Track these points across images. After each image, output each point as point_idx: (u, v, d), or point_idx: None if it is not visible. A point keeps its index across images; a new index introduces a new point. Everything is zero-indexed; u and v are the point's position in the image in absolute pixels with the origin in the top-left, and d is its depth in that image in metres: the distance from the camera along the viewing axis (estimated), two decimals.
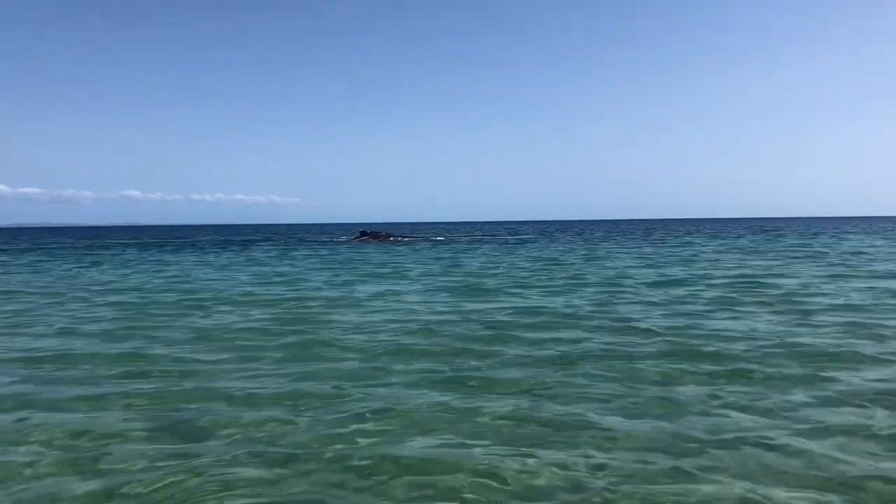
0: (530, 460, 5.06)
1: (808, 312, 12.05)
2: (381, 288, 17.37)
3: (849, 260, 25.09)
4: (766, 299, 13.94)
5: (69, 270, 26.10)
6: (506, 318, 11.88)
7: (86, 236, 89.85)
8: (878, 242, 38.72)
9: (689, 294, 15.09)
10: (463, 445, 5.44)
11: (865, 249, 31.84)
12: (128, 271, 25.11)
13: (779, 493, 4.47)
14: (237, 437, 5.72)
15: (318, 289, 17.48)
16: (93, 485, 4.76)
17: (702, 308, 12.86)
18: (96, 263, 30.22)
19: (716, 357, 8.48)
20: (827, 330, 10.33)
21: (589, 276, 19.93)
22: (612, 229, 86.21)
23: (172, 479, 4.78)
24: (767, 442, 5.40)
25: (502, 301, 14.44)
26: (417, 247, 40.75)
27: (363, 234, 52.42)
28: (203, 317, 12.72)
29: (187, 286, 18.74)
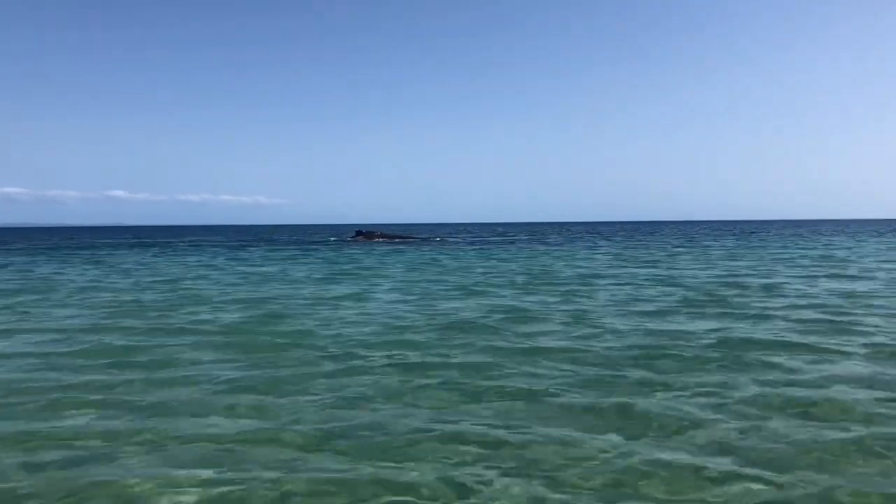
0: (459, 425, 5.42)
1: (764, 311, 12.52)
2: (357, 288, 17.67)
3: (822, 262, 25.71)
4: (730, 298, 14.40)
5: (48, 270, 26.12)
6: (473, 316, 12.22)
7: (71, 236, 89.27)
8: (858, 245, 39.50)
9: (657, 293, 15.52)
10: (402, 420, 5.79)
11: (843, 251, 32.55)
12: (107, 271, 25.20)
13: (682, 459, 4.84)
14: (190, 420, 6.02)
15: (296, 288, 17.76)
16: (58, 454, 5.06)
17: (664, 306, 13.28)
18: (76, 264, 30.24)
19: (661, 351, 8.88)
20: (775, 326, 10.77)
21: (564, 276, 20.35)
22: (603, 231, 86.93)
23: (131, 450, 5.10)
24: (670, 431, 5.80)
25: (475, 300, 14.78)
26: (402, 247, 41.07)
27: (358, 233, 52.92)
28: (174, 314, 12.96)
29: (166, 285, 18.95)
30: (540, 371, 7.81)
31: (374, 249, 39.62)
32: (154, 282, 20.20)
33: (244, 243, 54.79)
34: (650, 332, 10.24)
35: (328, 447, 5.33)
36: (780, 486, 4.51)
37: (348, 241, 50.95)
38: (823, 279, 18.62)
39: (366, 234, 52.45)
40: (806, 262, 25.91)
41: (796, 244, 42.25)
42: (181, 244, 54.39)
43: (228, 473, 4.79)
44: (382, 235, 53.00)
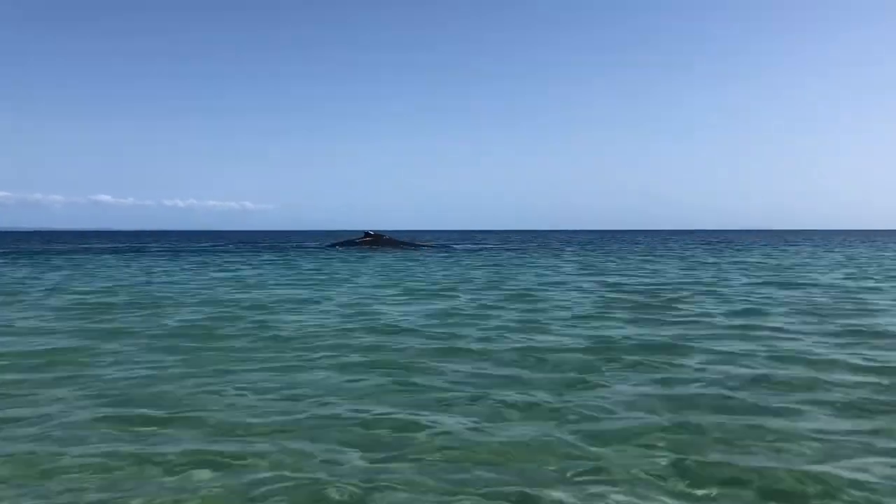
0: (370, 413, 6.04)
1: (688, 316, 13.22)
2: (316, 292, 18.25)
3: (785, 270, 26.53)
4: (657, 303, 15.12)
5: (22, 274, 26.51)
6: (414, 319, 12.85)
7: (53, 241, 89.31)
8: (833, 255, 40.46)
9: (596, 299, 16.23)
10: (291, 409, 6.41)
11: (809, 261, 33.45)
12: (82, 275, 25.64)
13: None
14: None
15: (261, 291, 18.34)
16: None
17: (601, 311, 13.97)
18: (53, 268, 30.61)
19: (563, 351, 9.54)
20: (679, 331, 11.47)
21: (524, 283, 21.08)
22: (589, 238, 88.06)
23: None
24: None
25: (423, 304, 15.41)
26: (389, 252, 41.68)
27: (367, 235, 53.57)
28: (123, 315, 13.49)
29: (135, 289, 19.45)
30: (439, 366, 8.45)
31: (348, 256, 40.16)
32: (122, 286, 20.69)
33: (231, 248, 55.14)
34: (571, 335, 10.89)
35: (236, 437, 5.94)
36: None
37: (357, 244, 51.58)
38: (766, 288, 19.38)
39: (374, 237, 53.29)
40: (760, 270, 26.71)
41: (767, 253, 43.17)
42: (156, 249, 54.70)
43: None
44: (390, 241, 53.91)
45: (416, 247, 52.22)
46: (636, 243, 70.22)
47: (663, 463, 5.17)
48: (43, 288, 19.68)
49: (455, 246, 58.00)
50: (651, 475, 4.94)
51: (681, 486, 4.78)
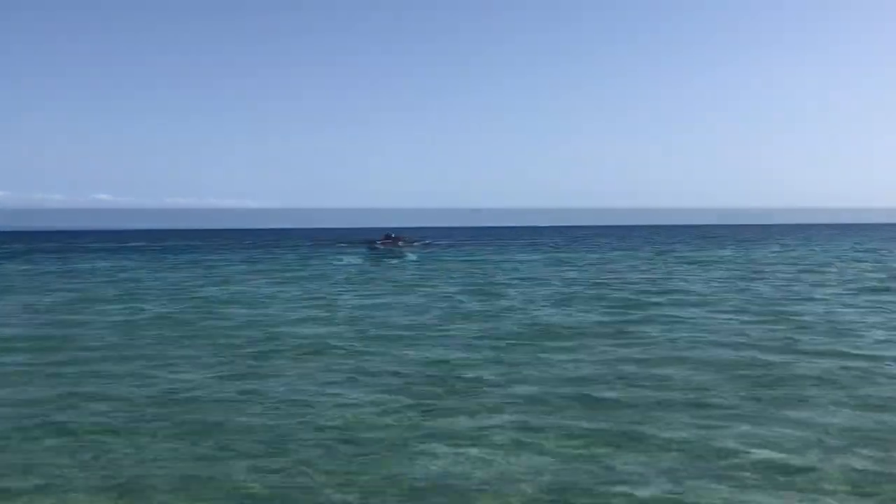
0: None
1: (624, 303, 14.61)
2: (282, 288, 19.54)
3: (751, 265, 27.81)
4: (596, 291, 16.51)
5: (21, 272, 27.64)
6: (379, 309, 14.39)
7: (52, 240, 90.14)
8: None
9: (551, 291, 17.60)
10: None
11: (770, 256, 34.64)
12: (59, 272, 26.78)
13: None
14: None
15: (228, 289, 19.63)
16: None
17: (549, 295, 15.39)
18: (42, 265, 31.66)
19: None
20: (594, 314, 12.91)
21: (498, 279, 22.64)
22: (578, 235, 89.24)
23: None
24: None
25: (386, 297, 16.77)
26: (360, 249, 42.75)
27: (387, 237, 54.49)
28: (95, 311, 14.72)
29: (119, 284, 20.70)
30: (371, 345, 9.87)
31: (334, 257, 41.34)
32: (104, 283, 21.92)
33: (220, 248, 55.92)
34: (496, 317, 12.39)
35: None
36: None
37: (377, 246, 52.09)
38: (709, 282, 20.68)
39: (393, 239, 54.45)
40: (733, 265, 27.97)
41: (737, 247, 44.29)
42: (147, 248, 55.38)
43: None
44: (408, 241, 55.34)
45: (432, 245, 54.38)
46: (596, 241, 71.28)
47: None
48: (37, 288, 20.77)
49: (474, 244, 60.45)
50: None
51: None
